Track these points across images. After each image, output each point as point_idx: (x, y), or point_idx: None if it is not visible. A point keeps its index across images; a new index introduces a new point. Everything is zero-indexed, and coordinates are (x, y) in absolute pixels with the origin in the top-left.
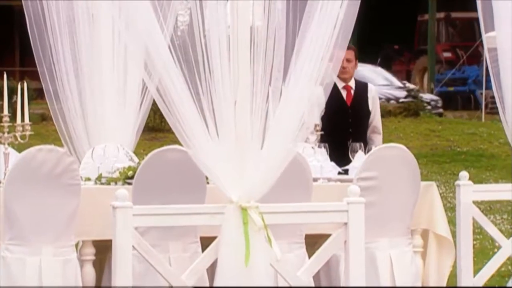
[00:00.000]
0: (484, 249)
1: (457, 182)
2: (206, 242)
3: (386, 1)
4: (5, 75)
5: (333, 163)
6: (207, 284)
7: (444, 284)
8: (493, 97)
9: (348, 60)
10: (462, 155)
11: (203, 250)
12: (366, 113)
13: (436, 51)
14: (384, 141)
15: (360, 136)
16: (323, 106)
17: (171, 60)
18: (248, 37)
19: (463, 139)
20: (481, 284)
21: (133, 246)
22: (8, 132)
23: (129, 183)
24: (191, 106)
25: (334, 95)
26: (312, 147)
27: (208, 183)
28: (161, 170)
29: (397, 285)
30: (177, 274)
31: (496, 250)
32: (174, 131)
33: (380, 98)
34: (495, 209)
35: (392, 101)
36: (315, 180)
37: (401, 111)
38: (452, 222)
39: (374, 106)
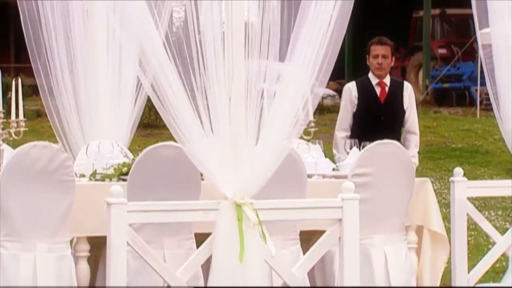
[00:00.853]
0: (478, 245)
1: (451, 179)
2: (200, 238)
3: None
4: None
5: (327, 159)
6: (202, 280)
7: (439, 280)
8: (488, 93)
9: (384, 56)
10: (457, 152)
11: (197, 246)
12: (400, 111)
13: (431, 47)
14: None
15: (392, 135)
16: (355, 101)
17: (166, 56)
18: (243, 34)
19: (458, 135)
20: (475, 280)
21: (127, 243)
22: (3, 129)
23: (124, 180)
24: (185, 102)
25: (368, 91)
26: (307, 144)
27: (202, 179)
28: (155, 167)
29: (392, 281)
30: (171, 270)
31: (490, 246)
32: (168, 128)
33: None
34: (490, 205)
35: None
36: (309, 176)
37: None
38: (446, 218)
39: (410, 104)
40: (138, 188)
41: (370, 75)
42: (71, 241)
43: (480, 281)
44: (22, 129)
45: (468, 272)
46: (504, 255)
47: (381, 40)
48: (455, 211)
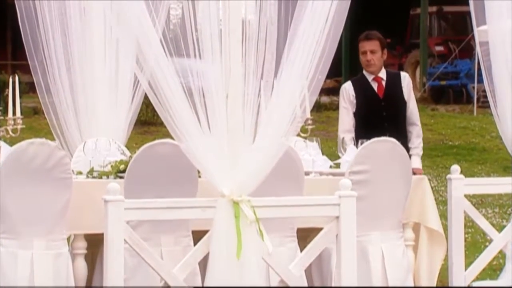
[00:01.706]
0: (475, 243)
1: (448, 176)
2: (198, 235)
3: None
4: None
5: (324, 157)
6: (199, 278)
7: (436, 277)
8: (485, 91)
9: (372, 52)
10: (454, 149)
11: (195, 243)
12: (402, 104)
13: (428, 44)
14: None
15: (398, 130)
16: (354, 101)
17: (163, 53)
18: (240, 31)
19: (455, 132)
20: (472, 277)
21: (124, 240)
22: (0, 126)
23: (121, 177)
24: (183, 100)
25: (365, 88)
26: (304, 141)
27: (200, 176)
28: (153, 164)
29: (389, 278)
30: (169, 267)
31: (487, 243)
32: (166, 125)
33: None
34: (487, 203)
35: None
36: (307, 173)
37: None
38: (443, 215)
39: (408, 94)
40: (135, 186)
41: (364, 72)
42: (68, 239)
43: (477, 278)
44: (19, 127)
45: (465, 270)
46: (501, 252)
47: (368, 35)
48: (452, 209)
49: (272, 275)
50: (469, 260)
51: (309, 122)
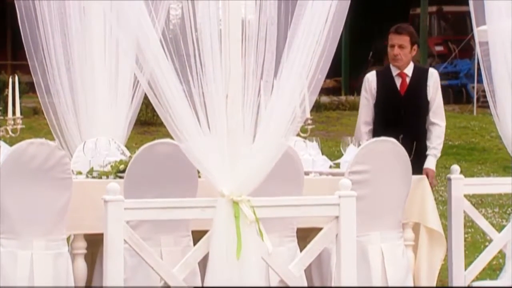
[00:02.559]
0: (475, 243)
1: (448, 176)
2: (197, 235)
3: None
4: None
5: (324, 157)
6: (199, 277)
7: (435, 277)
8: (484, 91)
9: (400, 47)
10: (453, 149)
11: (194, 243)
12: (423, 104)
13: (428, 44)
14: (373, 135)
15: (414, 129)
16: (375, 93)
17: (163, 53)
18: (240, 31)
19: (455, 132)
20: (472, 277)
21: (124, 240)
22: (0, 126)
23: (121, 177)
24: (182, 99)
25: (387, 83)
26: (304, 141)
27: (199, 176)
28: (152, 164)
29: (389, 278)
30: (168, 267)
31: (487, 243)
32: (165, 125)
33: None
34: (487, 203)
35: None
36: (306, 173)
37: None
38: (443, 215)
39: (434, 94)
40: (135, 186)
41: (391, 65)
42: (68, 239)
43: (477, 278)
44: (19, 127)
45: (465, 269)
46: (501, 252)
47: (398, 29)
48: (452, 209)
49: (272, 275)
50: (469, 260)
51: (309, 122)
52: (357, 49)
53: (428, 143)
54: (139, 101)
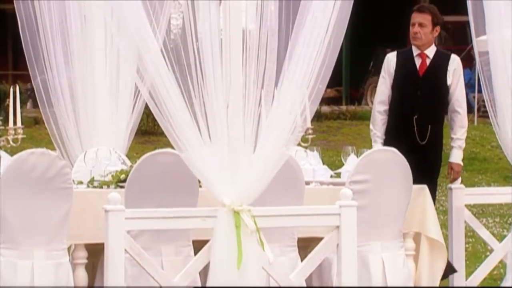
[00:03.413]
0: (476, 252)
1: (449, 186)
2: (198, 245)
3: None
4: None
5: (325, 166)
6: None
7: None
8: (484, 100)
9: (421, 25)
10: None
11: (195, 253)
12: (442, 87)
13: None
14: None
15: (430, 112)
16: (393, 73)
17: (164, 63)
18: (241, 40)
19: None
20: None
21: (125, 250)
22: (0, 136)
23: (122, 187)
24: (183, 109)
25: (407, 62)
26: (305, 151)
27: (200, 186)
28: (153, 174)
29: None
30: (169, 277)
31: (488, 253)
32: (166, 135)
33: None
34: (487, 212)
35: None
36: (307, 183)
37: None
38: (444, 225)
39: (455, 79)
40: (136, 195)
41: (413, 45)
42: (68, 248)
43: None
44: (19, 136)
45: (466, 279)
46: (501, 262)
47: (420, 8)
48: (452, 218)
49: (273, 285)
50: (470, 269)
51: (310, 131)
52: (358, 59)
53: (452, 134)
54: (140, 111)
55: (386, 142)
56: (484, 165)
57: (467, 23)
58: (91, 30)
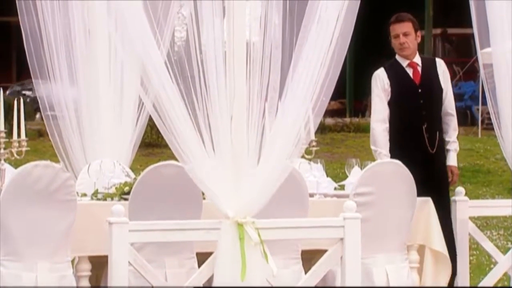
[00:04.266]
0: (480, 265)
1: (453, 198)
2: (202, 257)
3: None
4: (1, 91)
5: (329, 179)
6: None
7: None
8: (489, 113)
9: (405, 34)
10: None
11: (199, 265)
12: (439, 92)
13: None
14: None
15: (435, 119)
16: (389, 89)
17: (168, 75)
18: (244, 53)
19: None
20: None
21: (129, 262)
22: (5, 148)
23: (125, 199)
24: (187, 121)
25: (400, 75)
26: (309, 163)
27: (204, 198)
28: (157, 186)
29: None
30: None
31: (492, 265)
32: (170, 147)
33: None
34: (492, 225)
35: None
36: (311, 195)
37: None
38: None
39: (445, 82)
40: (139, 207)
41: (398, 57)
42: (72, 261)
43: None
44: (24, 149)
45: None
46: (506, 274)
47: (398, 17)
48: (456, 231)
49: None
50: (474, 282)
51: (314, 144)
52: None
53: (446, 138)
54: (144, 123)
55: (396, 158)
56: (488, 178)
57: (471, 35)
58: (95, 42)
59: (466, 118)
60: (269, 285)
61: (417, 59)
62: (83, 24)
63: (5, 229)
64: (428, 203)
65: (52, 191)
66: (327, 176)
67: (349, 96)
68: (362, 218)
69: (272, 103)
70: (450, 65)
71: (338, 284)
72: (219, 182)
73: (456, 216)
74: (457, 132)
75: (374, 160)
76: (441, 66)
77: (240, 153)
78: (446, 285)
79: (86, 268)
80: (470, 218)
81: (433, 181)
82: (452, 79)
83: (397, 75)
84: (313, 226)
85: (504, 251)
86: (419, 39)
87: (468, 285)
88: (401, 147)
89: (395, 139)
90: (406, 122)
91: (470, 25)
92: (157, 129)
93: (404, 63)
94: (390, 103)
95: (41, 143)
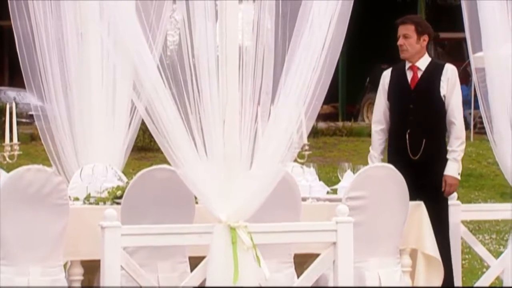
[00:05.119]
0: (473, 269)
1: None
2: (194, 261)
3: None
4: None
5: (321, 183)
6: None
7: None
8: (481, 117)
9: (405, 36)
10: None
11: (191, 269)
12: (434, 100)
13: None
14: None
15: (424, 125)
16: (387, 88)
17: (160, 80)
18: (237, 57)
19: None
20: None
21: (121, 266)
22: None
23: (118, 203)
24: (180, 125)
25: (399, 77)
26: (301, 167)
27: (197, 202)
28: (149, 190)
29: None
30: None
31: (485, 270)
32: (163, 151)
33: None
34: (484, 229)
35: None
36: (304, 199)
37: None
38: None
39: (450, 90)
40: (132, 212)
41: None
42: (64, 265)
43: None
44: (16, 153)
45: None
46: (498, 278)
47: (402, 19)
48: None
49: None
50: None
51: (306, 148)
52: (354, 75)
53: (447, 146)
54: (136, 127)
55: (388, 161)
56: (481, 182)
57: (464, 39)
58: (87, 46)
59: None
60: None
61: (422, 63)
62: (75, 28)
63: None
64: (420, 207)
65: (44, 195)
66: (320, 180)
67: (342, 100)
68: (354, 222)
69: (264, 107)
70: None
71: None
72: (211, 186)
73: (449, 220)
74: (459, 141)
75: (366, 164)
76: (448, 73)
77: (232, 157)
78: None
79: (78, 272)
80: (463, 222)
81: (414, 188)
82: None
83: (397, 77)
84: (305, 230)
85: (496, 255)
86: (424, 43)
87: None
88: (389, 150)
89: (388, 141)
90: (394, 125)
91: (462, 29)
92: (150, 133)
93: (407, 65)
94: (386, 104)
95: (34, 147)
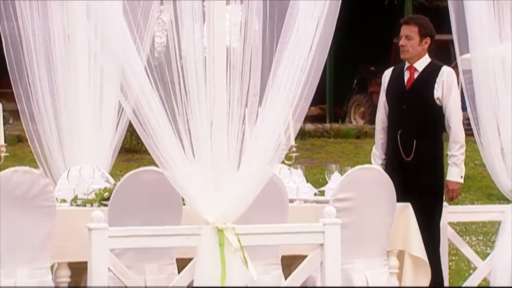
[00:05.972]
0: (460, 270)
1: None
2: (182, 263)
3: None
4: None
5: (309, 184)
6: None
7: None
8: (468, 119)
9: (407, 37)
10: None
11: (179, 271)
12: (427, 101)
13: None
14: (360, 163)
15: (415, 127)
16: (385, 87)
17: (147, 81)
18: (225, 59)
19: None
20: None
21: (108, 268)
22: None
23: (105, 205)
24: (167, 127)
25: (397, 77)
26: (289, 168)
27: (184, 204)
28: (137, 192)
29: None
30: None
31: (472, 271)
32: (150, 153)
33: None
34: (471, 230)
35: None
36: (291, 201)
37: None
38: None
39: (446, 93)
40: (119, 213)
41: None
42: (51, 267)
43: None
44: (3, 154)
45: None
46: (485, 280)
47: (406, 19)
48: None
49: None
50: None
51: (294, 149)
52: (342, 77)
53: (447, 151)
54: (123, 129)
55: (387, 160)
56: (467, 183)
57: (451, 41)
58: (74, 48)
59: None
60: None
61: (420, 64)
62: (62, 29)
63: None
64: (407, 208)
65: (31, 197)
66: (307, 181)
67: (329, 102)
68: (342, 223)
69: (252, 109)
70: None
71: None
72: (199, 188)
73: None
74: (458, 145)
75: (354, 166)
76: (443, 76)
77: (220, 159)
78: None
79: (65, 275)
80: (450, 223)
81: (406, 189)
82: None
83: (395, 77)
84: (293, 232)
85: (483, 256)
86: (426, 45)
87: None
88: (386, 150)
89: (386, 141)
90: (389, 125)
91: (449, 31)
92: (137, 135)
93: (406, 65)
94: (385, 103)
95: (20, 148)
